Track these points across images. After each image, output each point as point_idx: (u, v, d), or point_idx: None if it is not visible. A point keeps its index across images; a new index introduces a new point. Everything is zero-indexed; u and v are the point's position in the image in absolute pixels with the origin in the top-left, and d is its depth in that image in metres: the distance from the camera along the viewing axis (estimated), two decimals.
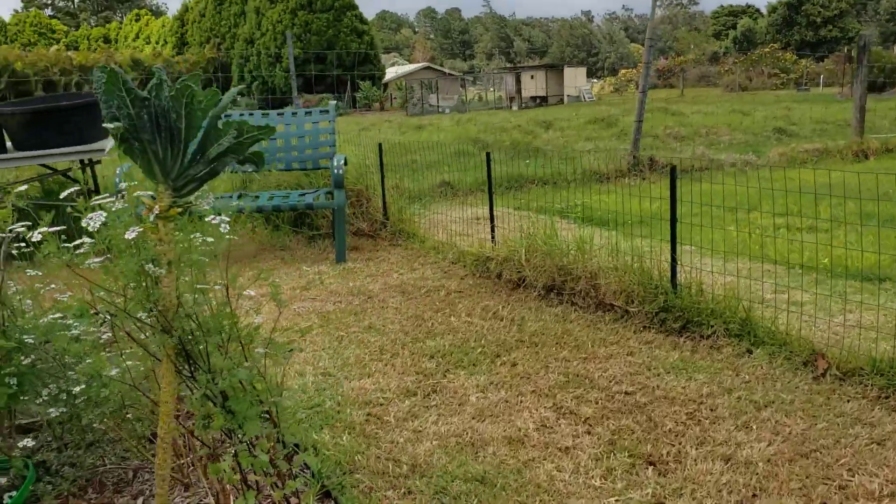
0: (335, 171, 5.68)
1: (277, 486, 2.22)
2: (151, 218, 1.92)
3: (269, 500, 2.37)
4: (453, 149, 11.76)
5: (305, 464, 2.68)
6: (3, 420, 2.45)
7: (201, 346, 2.03)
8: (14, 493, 2.32)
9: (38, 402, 2.41)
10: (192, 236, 2.00)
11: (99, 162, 6.53)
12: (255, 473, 2.20)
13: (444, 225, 6.52)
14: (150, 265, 1.89)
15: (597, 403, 3.23)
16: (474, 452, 2.86)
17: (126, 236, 1.81)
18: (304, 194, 5.92)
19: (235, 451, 2.11)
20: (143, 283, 1.91)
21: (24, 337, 2.36)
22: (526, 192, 8.79)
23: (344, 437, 2.97)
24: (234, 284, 2.21)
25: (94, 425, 2.43)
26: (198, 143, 1.89)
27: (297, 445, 2.82)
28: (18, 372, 2.36)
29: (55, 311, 2.31)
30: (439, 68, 53.74)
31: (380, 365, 3.73)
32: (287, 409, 3.08)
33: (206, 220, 2.03)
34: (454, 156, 11.00)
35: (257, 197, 5.88)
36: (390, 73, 48.86)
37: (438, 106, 36.11)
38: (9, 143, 6.03)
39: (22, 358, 2.33)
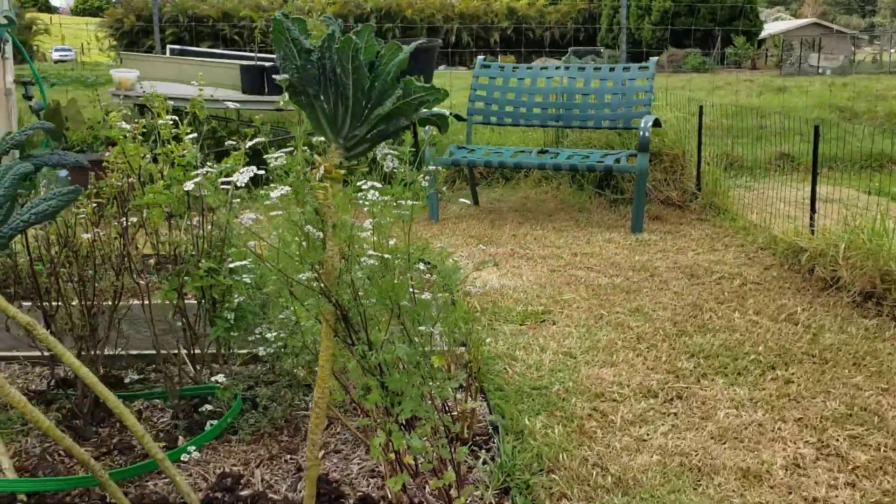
0: (642, 132, 5.26)
1: (436, 475, 2.06)
2: (318, 177, 1.82)
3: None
4: (810, 116, 10.44)
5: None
6: (218, 351, 2.58)
7: (359, 316, 1.91)
8: (215, 422, 2.45)
9: (250, 339, 2.51)
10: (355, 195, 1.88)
11: None
12: (410, 456, 2.06)
13: (766, 203, 5.78)
14: (310, 227, 1.80)
15: (877, 450, 2.59)
16: (696, 480, 2.44)
17: (272, 195, 1.73)
18: (606, 155, 5.60)
19: (389, 428, 1.98)
20: (302, 243, 1.83)
21: (244, 277, 2.45)
22: (890, 174, 7.52)
23: (556, 429, 2.72)
24: (436, 254, 2.06)
25: (295, 371, 2.46)
26: (363, 102, 1.74)
27: (495, 427, 2.64)
28: (235, 307, 2.46)
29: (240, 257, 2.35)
30: (828, 24, 48.43)
31: (630, 355, 3.38)
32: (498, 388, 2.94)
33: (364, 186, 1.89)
34: (806, 124, 9.76)
35: (557, 154, 5.68)
36: (770, 28, 45.15)
37: (819, 66, 32.59)
38: None
39: (237, 297, 2.42)
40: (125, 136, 2.33)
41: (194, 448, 2.29)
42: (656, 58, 5.91)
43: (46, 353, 2.52)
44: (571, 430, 2.73)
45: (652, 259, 4.83)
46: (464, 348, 2.89)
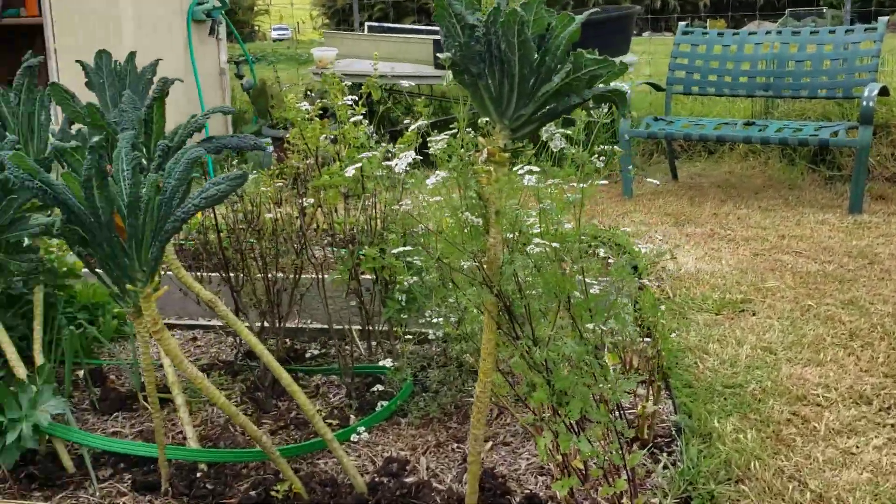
0: (865, 102, 4.70)
1: (607, 480, 1.92)
2: (481, 160, 1.72)
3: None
4: None
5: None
6: (391, 330, 2.56)
7: (523, 308, 1.79)
8: (385, 403, 2.44)
9: (420, 321, 2.47)
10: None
11: None
12: (579, 459, 1.93)
13: None
14: (468, 214, 1.70)
15: None
16: None
17: (429, 180, 1.64)
18: (821, 128, 5.07)
19: (555, 429, 1.86)
20: (464, 229, 1.74)
21: (415, 259, 2.41)
22: None
23: (749, 434, 2.47)
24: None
25: (465, 357, 2.40)
26: (530, 79, 1.61)
27: (679, 429, 2.44)
28: (406, 290, 2.43)
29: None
30: None
31: (840, 353, 3.02)
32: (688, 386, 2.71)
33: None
34: None
35: (765, 126, 5.22)
36: None
37: None
38: None
39: (406, 278, 2.38)
40: (304, 118, 2.35)
41: (364, 429, 2.29)
42: (886, 17, 5.24)
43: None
44: (767, 435, 2.47)
45: (872, 244, 4.32)
46: (648, 340, 2.70)
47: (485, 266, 1.77)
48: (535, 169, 1.73)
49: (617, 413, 2.08)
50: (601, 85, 1.69)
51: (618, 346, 2.70)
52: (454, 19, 1.59)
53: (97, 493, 2.10)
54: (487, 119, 1.73)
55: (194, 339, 3.08)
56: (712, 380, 2.84)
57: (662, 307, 3.44)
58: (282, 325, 2.63)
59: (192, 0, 6.54)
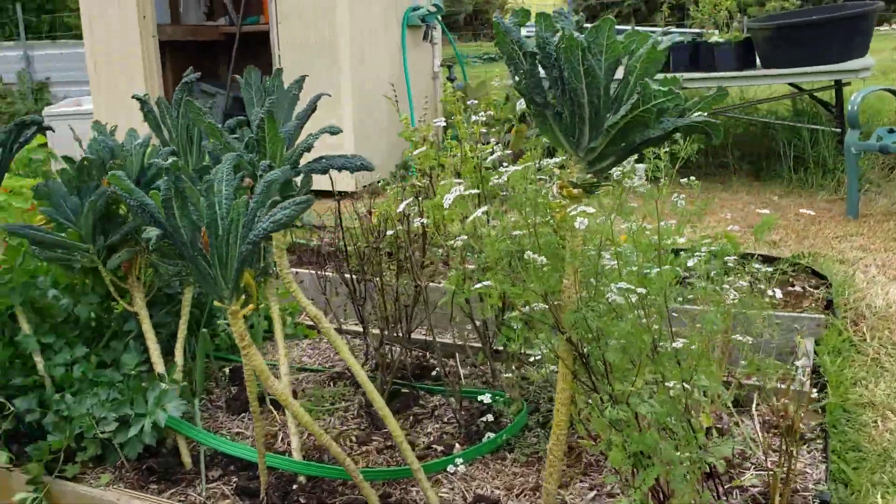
0: None
1: None
2: (553, 192, 1.58)
3: None
4: None
5: None
6: (510, 358, 2.46)
7: (601, 359, 1.62)
8: (490, 436, 2.34)
9: (537, 354, 2.34)
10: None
11: (848, 83, 5.80)
12: None
13: None
14: (529, 252, 1.57)
15: None
16: None
17: (477, 212, 1.53)
18: None
19: (635, 497, 1.67)
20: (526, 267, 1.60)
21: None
22: None
23: None
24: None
25: None
26: (601, 110, 1.44)
27: (823, 503, 2.12)
28: (523, 317, 2.31)
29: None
30: None
31: None
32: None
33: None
34: None
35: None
36: None
37: None
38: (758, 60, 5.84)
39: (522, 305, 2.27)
40: (415, 139, 2.31)
41: (462, 461, 2.22)
42: None
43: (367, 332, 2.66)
44: None
45: None
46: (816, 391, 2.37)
47: (558, 309, 1.63)
48: (590, 210, 1.54)
49: (714, 481, 1.83)
50: (696, 113, 1.49)
51: (761, 394, 2.40)
52: (515, 45, 1.46)
53: (203, 493, 2.20)
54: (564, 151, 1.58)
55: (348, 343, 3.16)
56: (890, 445, 2.44)
57: (848, 352, 3.01)
58: (405, 335, 2.62)
59: (408, 6, 6.75)
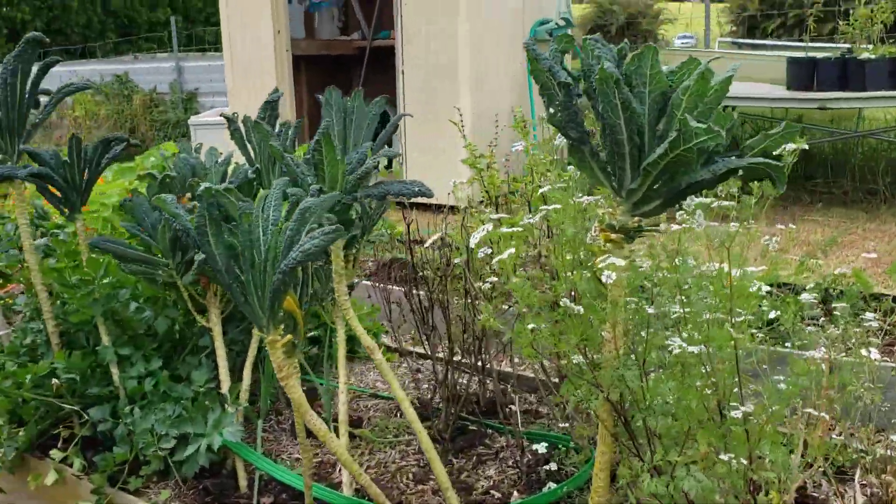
0: None
1: None
2: (592, 234, 1.42)
3: None
4: None
5: None
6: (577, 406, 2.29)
7: (641, 422, 1.45)
8: (551, 486, 2.18)
9: None
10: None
11: None
12: None
13: None
14: (566, 300, 1.42)
15: None
16: None
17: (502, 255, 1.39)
18: None
19: None
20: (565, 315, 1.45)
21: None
22: None
23: None
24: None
25: None
26: (637, 147, 1.28)
27: None
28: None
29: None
30: None
31: None
32: None
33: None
34: None
35: None
36: None
37: None
38: None
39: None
40: (478, 164, 2.18)
41: None
42: None
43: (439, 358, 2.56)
44: None
45: None
46: None
47: (589, 365, 1.47)
48: (620, 262, 1.37)
49: None
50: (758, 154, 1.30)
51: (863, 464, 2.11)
52: (547, 74, 1.32)
53: None
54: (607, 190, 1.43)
55: (418, 370, 3.08)
56: None
57: None
58: (475, 365, 2.51)
59: (536, 20, 6.62)
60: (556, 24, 6.69)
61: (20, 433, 2.47)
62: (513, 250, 1.45)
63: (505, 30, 6.40)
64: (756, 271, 1.59)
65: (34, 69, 2.50)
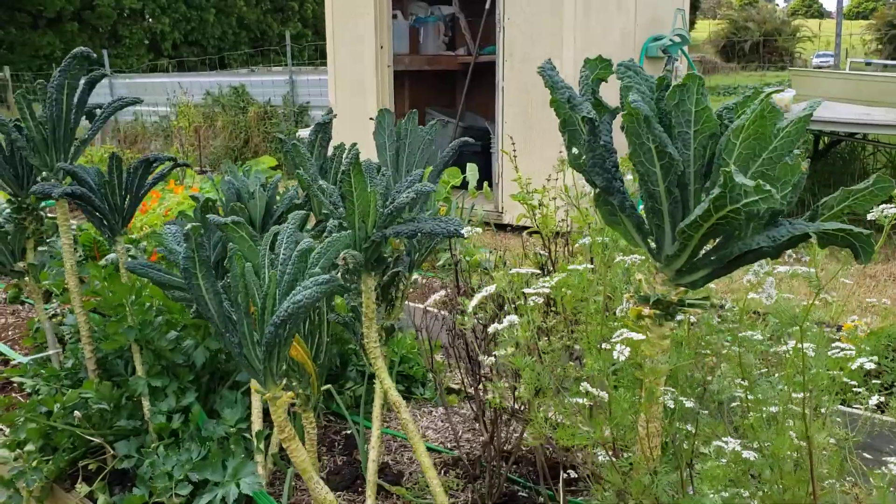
0: None
1: None
2: (625, 304, 1.14)
3: None
4: None
5: None
6: None
7: None
8: None
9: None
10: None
11: None
12: None
13: None
14: (586, 385, 1.13)
15: None
16: None
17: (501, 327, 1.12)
18: None
19: None
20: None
21: None
22: None
23: None
24: None
25: None
26: (680, 202, 1.00)
27: None
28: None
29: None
30: None
31: None
32: None
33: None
34: None
35: None
36: None
37: None
38: None
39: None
40: (530, 200, 1.90)
41: None
42: None
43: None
44: None
45: None
46: None
47: (627, 464, 1.17)
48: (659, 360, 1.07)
49: None
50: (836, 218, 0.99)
51: None
52: (568, 105, 1.05)
53: None
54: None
55: (475, 418, 2.81)
56: None
57: None
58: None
59: (648, 36, 6.25)
60: (671, 40, 6.29)
61: (48, 462, 2.37)
62: (514, 319, 1.18)
63: (613, 50, 6.05)
64: (841, 345, 1.26)
65: (81, 83, 2.41)
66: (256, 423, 2.28)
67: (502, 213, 6.24)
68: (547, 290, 1.29)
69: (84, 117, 2.55)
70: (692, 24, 33.20)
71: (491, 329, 1.23)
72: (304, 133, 8.48)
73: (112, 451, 2.35)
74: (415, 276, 2.23)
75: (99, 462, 2.38)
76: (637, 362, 1.15)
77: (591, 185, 1.11)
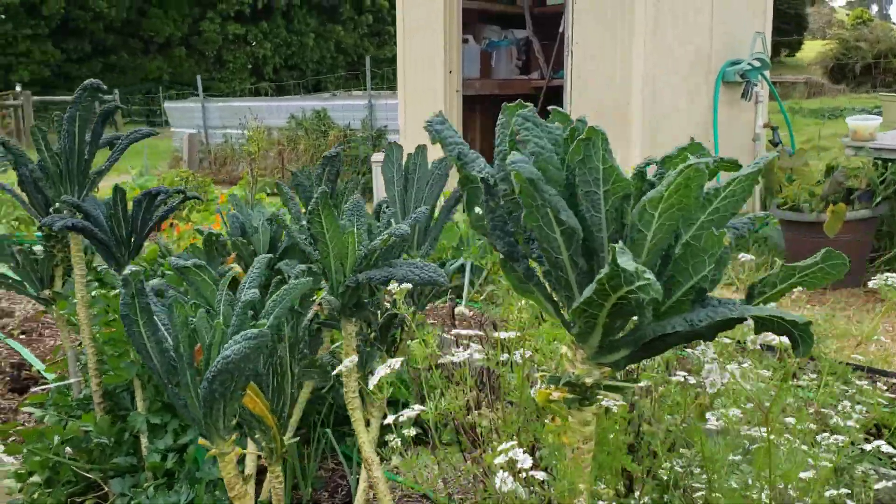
0: None
1: None
2: (537, 387, 0.99)
3: None
4: None
5: None
6: None
7: None
8: None
9: None
10: None
11: None
12: None
13: None
14: (503, 477, 0.99)
15: None
16: None
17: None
18: None
19: None
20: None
21: None
22: None
23: None
24: None
25: None
26: (587, 275, 0.85)
27: None
28: None
29: None
30: None
31: None
32: None
33: None
34: None
35: None
36: None
37: None
38: None
39: None
40: None
41: None
42: None
43: None
44: None
45: None
46: None
47: None
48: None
49: None
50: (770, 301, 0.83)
51: None
52: (458, 162, 0.93)
53: None
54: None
55: None
56: None
57: None
58: None
59: (725, 61, 5.97)
60: (749, 64, 5.99)
61: (49, 496, 2.36)
62: (412, 413, 1.05)
63: (686, 73, 5.80)
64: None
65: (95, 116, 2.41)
66: (249, 467, 2.20)
67: None
68: (459, 360, 1.15)
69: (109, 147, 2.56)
70: (799, 45, 31.92)
71: (387, 421, 1.10)
72: (379, 157, 8.51)
73: (107, 488, 2.32)
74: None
75: (98, 498, 2.36)
76: (561, 450, 1.01)
77: (494, 249, 0.97)
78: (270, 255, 1.65)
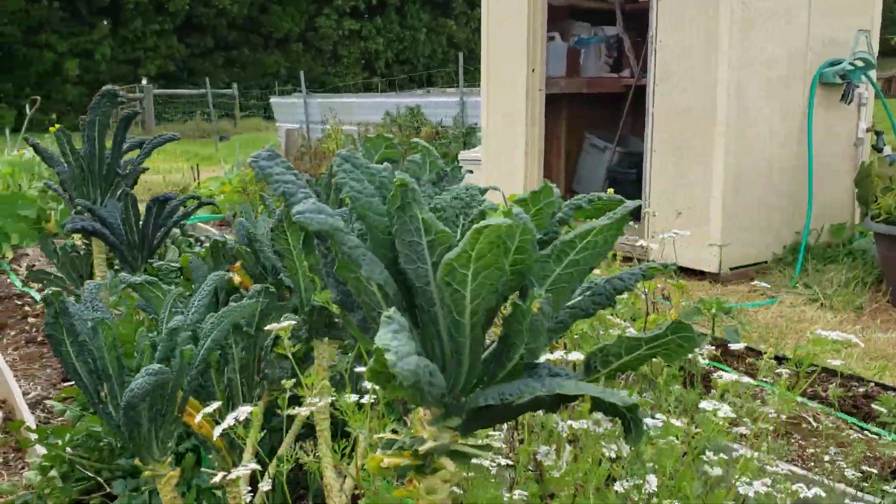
0: None
1: None
2: (378, 451, 0.89)
3: None
4: None
5: None
6: None
7: None
8: None
9: None
10: None
11: None
12: None
13: None
14: None
15: None
16: None
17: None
18: None
19: None
20: None
21: None
22: None
23: None
24: None
25: None
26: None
27: None
28: None
29: None
30: None
31: None
32: None
33: None
34: None
35: None
36: None
37: None
38: None
39: None
40: None
41: None
42: None
43: None
44: None
45: None
46: None
47: None
48: None
49: None
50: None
51: None
52: (286, 201, 0.83)
53: None
54: None
55: None
56: None
57: None
58: None
59: (824, 60, 5.57)
60: (851, 64, 5.56)
61: (55, 492, 2.41)
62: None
63: (779, 72, 5.44)
64: None
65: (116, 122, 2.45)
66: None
67: (647, 248, 5.81)
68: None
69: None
70: None
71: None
72: (466, 154, 8.43)
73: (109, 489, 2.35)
74: None
75: (104, 497, 2.39)
76: None
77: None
78: (219, 274, 1.60)
